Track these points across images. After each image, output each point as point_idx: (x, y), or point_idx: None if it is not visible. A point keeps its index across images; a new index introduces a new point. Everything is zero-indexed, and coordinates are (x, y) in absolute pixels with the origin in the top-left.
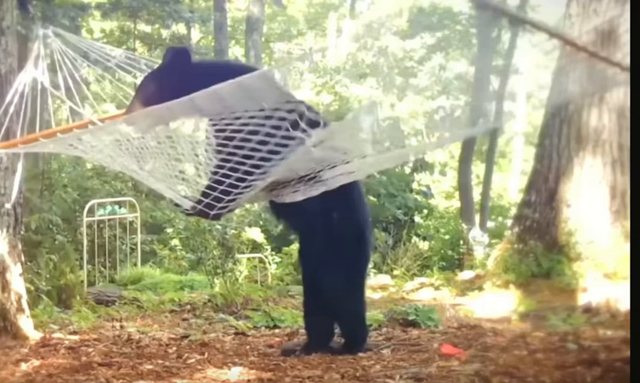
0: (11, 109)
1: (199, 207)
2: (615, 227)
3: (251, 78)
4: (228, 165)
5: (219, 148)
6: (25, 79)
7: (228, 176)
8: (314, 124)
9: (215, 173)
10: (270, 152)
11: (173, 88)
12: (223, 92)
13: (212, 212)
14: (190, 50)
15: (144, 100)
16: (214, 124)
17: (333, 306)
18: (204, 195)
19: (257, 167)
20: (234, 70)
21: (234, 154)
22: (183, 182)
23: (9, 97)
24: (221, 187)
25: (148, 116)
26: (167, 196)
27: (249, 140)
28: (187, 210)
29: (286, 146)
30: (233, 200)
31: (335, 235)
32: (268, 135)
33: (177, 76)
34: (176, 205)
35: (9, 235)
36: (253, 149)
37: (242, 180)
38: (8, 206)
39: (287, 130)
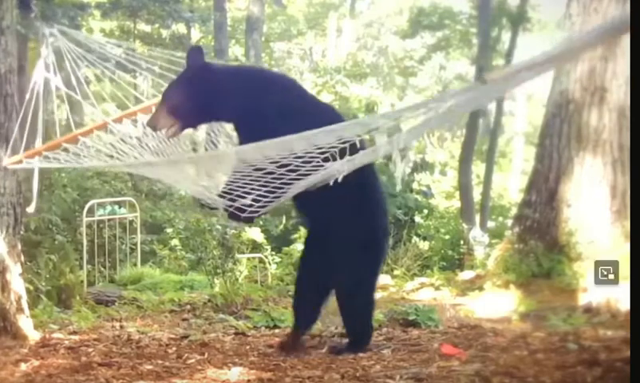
0: (14, 113)
1: (230, 209)
2: (616, 227)
3: (323, 134)
4: (264, 179)
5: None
6: (38, 80)
7: (264, 186)
8: (355, 150)
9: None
10: (310, 170)
11: (198, 95)
12: (294, 143)
13: (243, 215)
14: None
15: (169, 108)
16: None
17: (340, 304)
18: (239, 196)
19: (297, 179)
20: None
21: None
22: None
23: (27, 100)
24: (256, 193)
25: (212, 159)
26: (198, 197)
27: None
28: (216, 209)
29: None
30: (264, 206)
31: (350, 234)
32: (318, 164)
33: (201, 83)
34: (206, 206)
35: (8, 235)
36: (294, 170)
37: (279, 189)
38: (30, 210)
39: (334, 158)
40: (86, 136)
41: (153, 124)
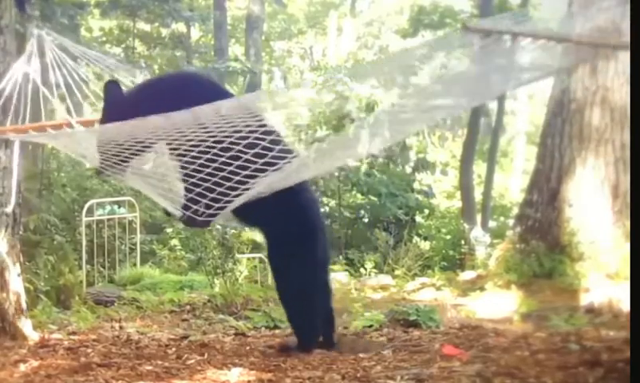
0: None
1: (187, 213)
2: (617, 227)
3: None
4: (220, 174)
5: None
6: (18, 71)
7: (220, 185)
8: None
9: (205, 181)
10: (266, 164)
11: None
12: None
13: (199, 219)
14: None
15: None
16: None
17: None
18: (192, 201)
19: (251, 177)
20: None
21: (228, 164)
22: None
23: (1, 86)
24: (212, 195)
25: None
26: (160, 204)
27: (245, 153)
28: (175, 216)
29: (282, 159)
30: (222, 208)
31: (289, 232)
32: (264, 148)
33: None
34: (168, 213)
35: (7, 235)
36: (248, 161)
37: (234, 189)
38: (8, 210)
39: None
40: (56, 129)
41: None
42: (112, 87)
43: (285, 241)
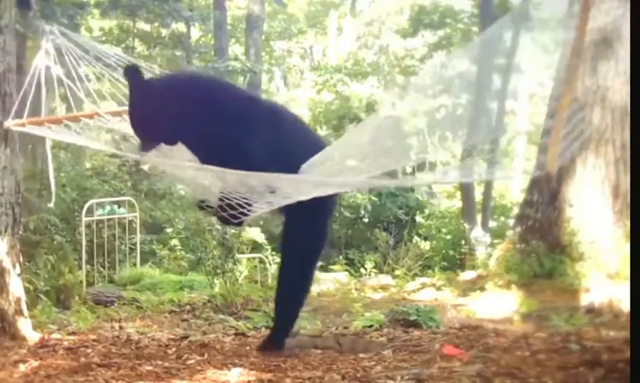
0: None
1: (223, 214)
2: (618, 227)
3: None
4: (254, 196)
5: None
6: (39, 65)
7: (252, 202)
8: None
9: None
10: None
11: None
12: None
13: (235, 221)
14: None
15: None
16: None
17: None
18: (223, 209)
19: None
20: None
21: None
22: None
23: (26, 85)
24: (242, 209)
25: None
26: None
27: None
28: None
29: None
30: (252, 212)
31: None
32: None
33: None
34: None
35: (7, 235)
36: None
37: (264, 203)
38: (51, 205)
39: None
40: (71, 121)
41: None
42: (133, 72)
43: (306, 239)
